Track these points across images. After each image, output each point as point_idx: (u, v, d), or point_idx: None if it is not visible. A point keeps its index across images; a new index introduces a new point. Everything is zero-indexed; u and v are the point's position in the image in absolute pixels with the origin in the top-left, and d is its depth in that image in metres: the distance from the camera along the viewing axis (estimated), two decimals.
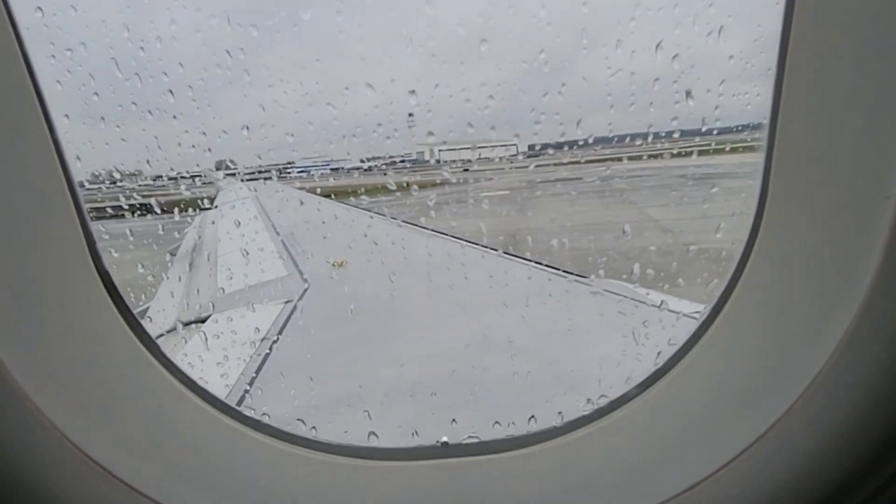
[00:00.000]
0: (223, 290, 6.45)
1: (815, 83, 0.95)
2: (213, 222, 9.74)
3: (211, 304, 5.94)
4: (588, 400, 1.36)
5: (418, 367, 4.20)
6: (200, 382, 1.36)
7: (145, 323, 1.30)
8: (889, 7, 0.84)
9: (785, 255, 1.11)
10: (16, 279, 1.03)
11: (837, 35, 0.91)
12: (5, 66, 1.02)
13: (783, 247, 1.11)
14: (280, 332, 5.17)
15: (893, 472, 0.96)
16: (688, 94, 1.92)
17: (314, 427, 1.52)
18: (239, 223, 10.02)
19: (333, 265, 6.57)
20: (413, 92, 2.20)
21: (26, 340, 1.02)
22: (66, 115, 1.27)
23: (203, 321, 5.70)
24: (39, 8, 1.30)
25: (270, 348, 4.70)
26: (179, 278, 7.50)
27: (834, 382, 0.96)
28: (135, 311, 1.30)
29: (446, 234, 7.25)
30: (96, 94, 1.73)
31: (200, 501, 1.17)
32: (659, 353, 1.30)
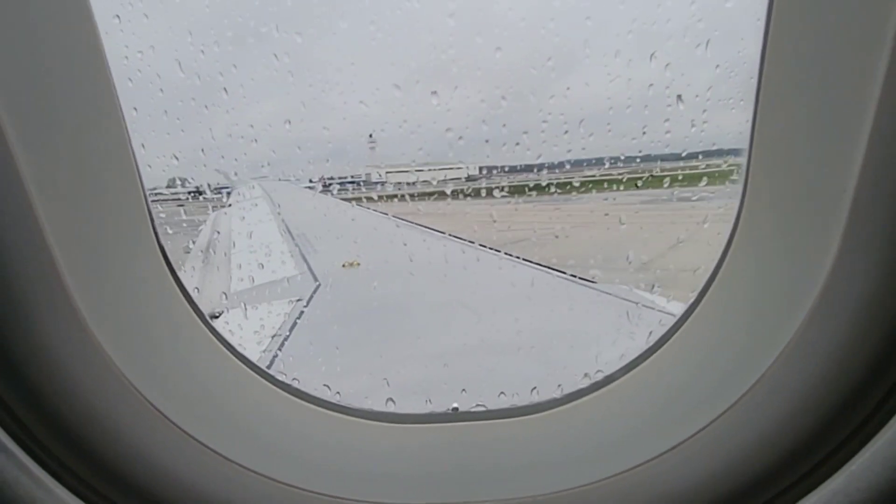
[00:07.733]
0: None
1: (792, 91, 1.11)
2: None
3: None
4: (585, 374, 1.51)
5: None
6: (239, 348, 1.53)
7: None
8: (853, 23, 1.00)
9: (760, 250, 1.27)
10: (87, 251, 1.20)
11: (811, 45, 1.07)
12: (92, 68, 1.20)
13: (759, 241, 1.27)
14: None
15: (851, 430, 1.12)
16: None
17: (338, 392, 1.68)
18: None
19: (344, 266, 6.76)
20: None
21: (100, 304, 1.19)
22: (135, 108, 1.47)
23: None
24: (117, 16, 1.50)
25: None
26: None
27: (798, 355, 1.12)
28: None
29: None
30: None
31: (238, 449, 1.32)
32: (650, 333, 1.45)
